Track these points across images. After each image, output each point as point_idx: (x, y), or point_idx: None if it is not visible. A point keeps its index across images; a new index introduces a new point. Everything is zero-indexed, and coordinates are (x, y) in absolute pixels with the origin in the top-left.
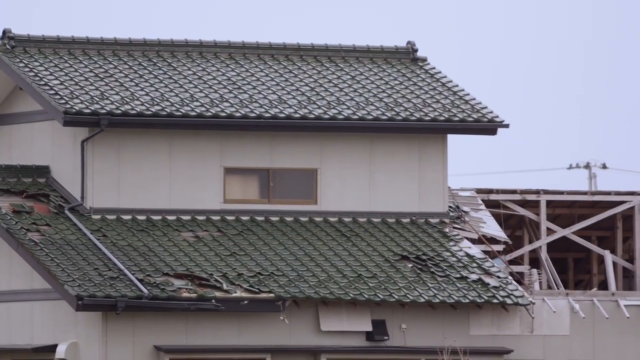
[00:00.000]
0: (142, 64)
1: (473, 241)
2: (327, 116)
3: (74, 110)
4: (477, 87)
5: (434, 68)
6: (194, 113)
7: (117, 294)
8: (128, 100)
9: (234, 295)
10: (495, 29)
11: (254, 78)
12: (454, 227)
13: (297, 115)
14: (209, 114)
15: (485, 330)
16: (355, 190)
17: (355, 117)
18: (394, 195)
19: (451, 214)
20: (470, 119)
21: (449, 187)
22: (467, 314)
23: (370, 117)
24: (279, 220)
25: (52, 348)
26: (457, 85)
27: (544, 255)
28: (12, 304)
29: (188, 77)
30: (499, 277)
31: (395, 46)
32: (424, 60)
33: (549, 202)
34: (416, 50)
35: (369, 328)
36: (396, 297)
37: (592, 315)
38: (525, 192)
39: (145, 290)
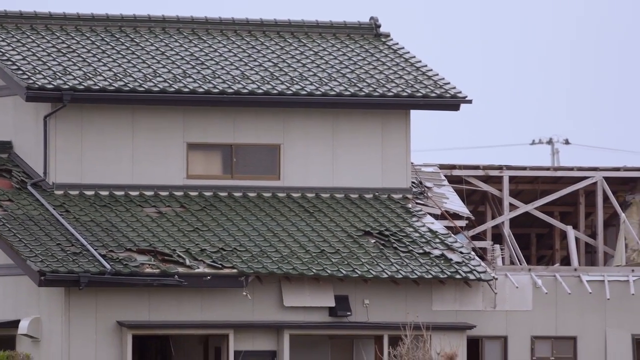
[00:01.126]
0: (105, 39)
1: (436, 217)
2: (290, 92)
3: (36, 86)
4: (440, 63)
5: (397, 44)
6: (156, 89)
7: (80, 270)
8: (91, 75)
9: (196, 270)
10: (458, 4)
11: (217, 54)
12: (417, 203)
13: (260, 91)
14: (172, 89)
15: (448, 306)
16: (318, 166)
17: (318, 92)
18: (357, 171)
19: (414, 189)
20: (433, 95)
21: (412, 163)
22: (429, 290)
23: (333, 92)
24: (241, 196)
25: (15, 323)
26: (420, 61)
27: (506, 230)
28: None
29: (151, 53)
30: (461, 252)
31: (358, 22)
32: (387, 36)
33: (511, 178)
34: (379, 26)
35: (332, 303)
36: (359, 272)
37: (554, 291)
38: (488, 168)
39: (108, 266)
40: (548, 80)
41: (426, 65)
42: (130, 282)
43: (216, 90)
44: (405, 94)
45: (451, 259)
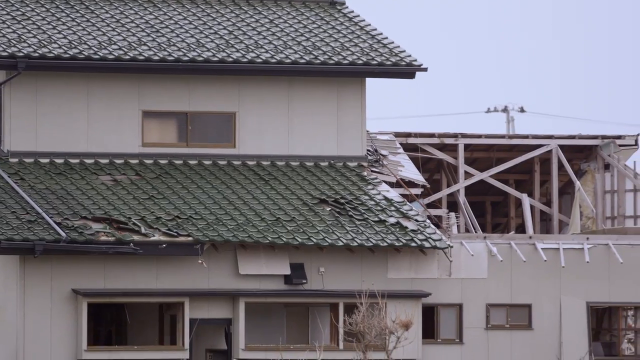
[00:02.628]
0: (60, 6)
1: (391, 184)
2: (245, 59)
3: None
4: (395, 31)
5: (352, 12)
6: (111, 56)
7: (35, 238)
8: (46, 43)
9: (152, 238)
10: None
11: (172, 21)
12: (373, 171)
13: (216, 59)
14: (127, 57)
15: (404, 274)
16: (274, 133)
17: (274, 60)
18: (312, 139)
19: (369, 157)
20: (389, 63)
21: (368, 131)
22: (385, 258)
23: (288, 60)
24: (197, 163)
25: None
26: (375, 29)
27: (462, 198)
28: None
29: (106, 20)
30: (417, 220)
31: None
32: (342, 4)
33: (467, 146)
34: None
35: (287, 271)
36: (314, 240)
37: (509, 259)
38: (444, 136)
39: (63, 234)
40: (504, 48)
41: (382, 33)
42: (86, 250)
43: (171, 58)
44: (360, 61)
45: (406, 227)
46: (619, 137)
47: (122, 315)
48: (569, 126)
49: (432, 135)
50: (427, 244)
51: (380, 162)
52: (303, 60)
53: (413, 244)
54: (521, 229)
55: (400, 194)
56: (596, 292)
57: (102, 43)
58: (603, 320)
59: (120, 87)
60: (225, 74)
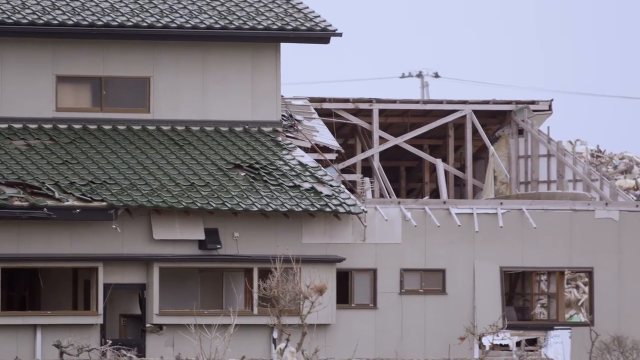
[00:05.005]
0: None
1: (306, 150)
2: (160, 24)
3: None
4: None
5: None
6: (25, 20)
7: None
8: None
9: (66, 203)
10: None
11: None
12: (287, 136)
13: (130, 24)
14: (41, 21)
15: (318, 239)
16: (189, 99)
17: (188, 25)
18: (227, 104)
19: (284, 122)
20: (303, 28)
21: (282, 96)
22: (299, 223)
23: (203, 25)
24: (111, 128)
25: None
26: None
27: (376, 163)
28: None
29: None
30: (331, 185)
31: None
32: None
33: (381, 111)
34: None
35: (202, 236)
36: (229, 205)
37: (423, 224)
38: (358, 101)
39: None
40: (418, 13)
41: None
42: None
43: (85, 23)
44: (275, 27)
45: (321, 192)
46: (533, 103)
47: (35, 280)
48: (483, 91)
49: (346, 101)
50: (341, 209)
51: (295, 127)
52: (218, 25)
53: (327, 209)
54: (435, 194)
55: (314, 159)
56: (510, 257)
57: (16, 7)
58: (516, 285)
59: (34, 51)
60: (140, 38)
